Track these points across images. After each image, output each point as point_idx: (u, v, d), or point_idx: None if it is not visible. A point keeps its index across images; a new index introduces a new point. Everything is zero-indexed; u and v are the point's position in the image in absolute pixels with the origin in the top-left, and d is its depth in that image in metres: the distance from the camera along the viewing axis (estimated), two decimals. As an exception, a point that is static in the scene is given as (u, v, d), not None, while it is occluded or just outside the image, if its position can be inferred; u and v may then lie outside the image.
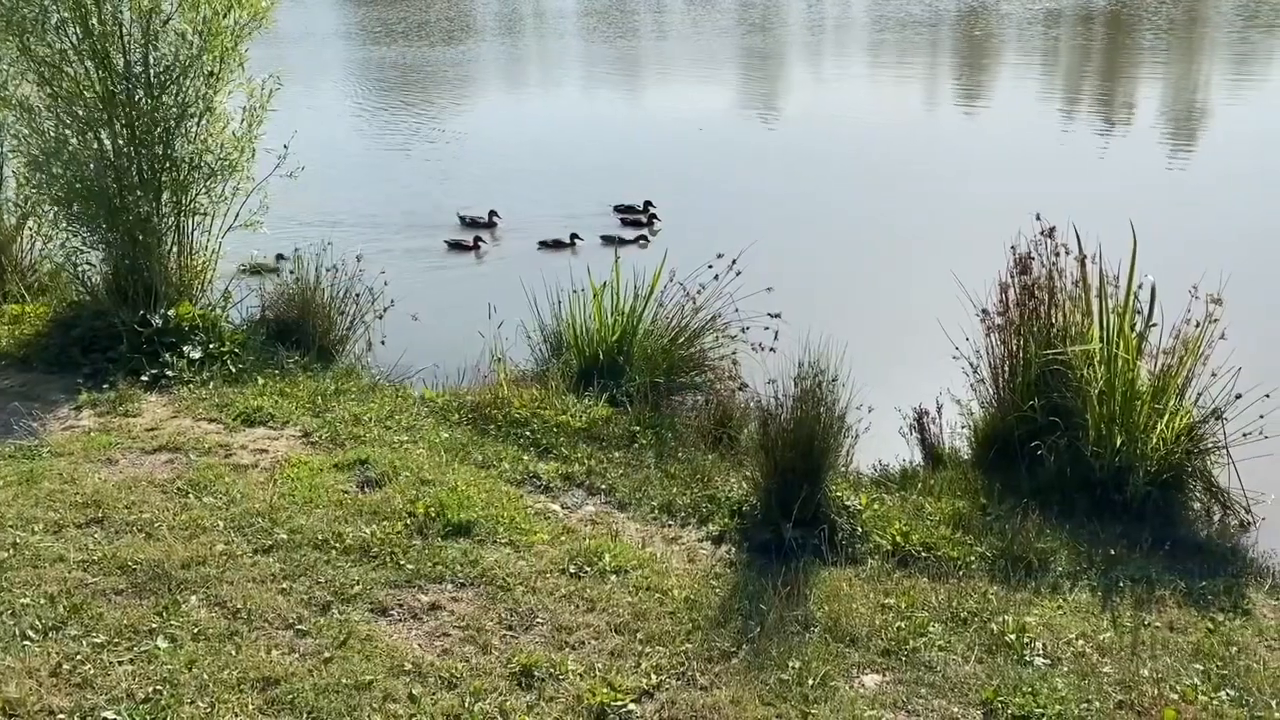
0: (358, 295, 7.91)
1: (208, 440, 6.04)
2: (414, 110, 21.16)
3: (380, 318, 7.90)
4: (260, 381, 6.95)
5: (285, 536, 4.90)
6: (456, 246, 11.30)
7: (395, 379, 7.33)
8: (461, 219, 12.12)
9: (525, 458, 5.96)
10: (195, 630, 4.18)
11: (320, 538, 4.89)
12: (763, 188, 13.84)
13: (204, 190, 7.74)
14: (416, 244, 11.60)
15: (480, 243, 11.31)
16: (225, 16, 7.53)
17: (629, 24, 37.58)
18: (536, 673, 3.99)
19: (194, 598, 4.40)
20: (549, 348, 7.55)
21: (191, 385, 6.87)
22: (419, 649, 4.15)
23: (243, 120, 7.84)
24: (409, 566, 4.70)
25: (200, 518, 5.06)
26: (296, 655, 4.06)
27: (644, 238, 11.43)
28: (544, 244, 11.38)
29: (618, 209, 12.35)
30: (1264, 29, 29.78)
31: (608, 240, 11.36)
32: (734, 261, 7.13)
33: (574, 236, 11.33)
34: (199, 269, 7.95)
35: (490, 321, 7.37)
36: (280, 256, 9.89)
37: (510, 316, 7.59)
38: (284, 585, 4.53)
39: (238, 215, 7.91)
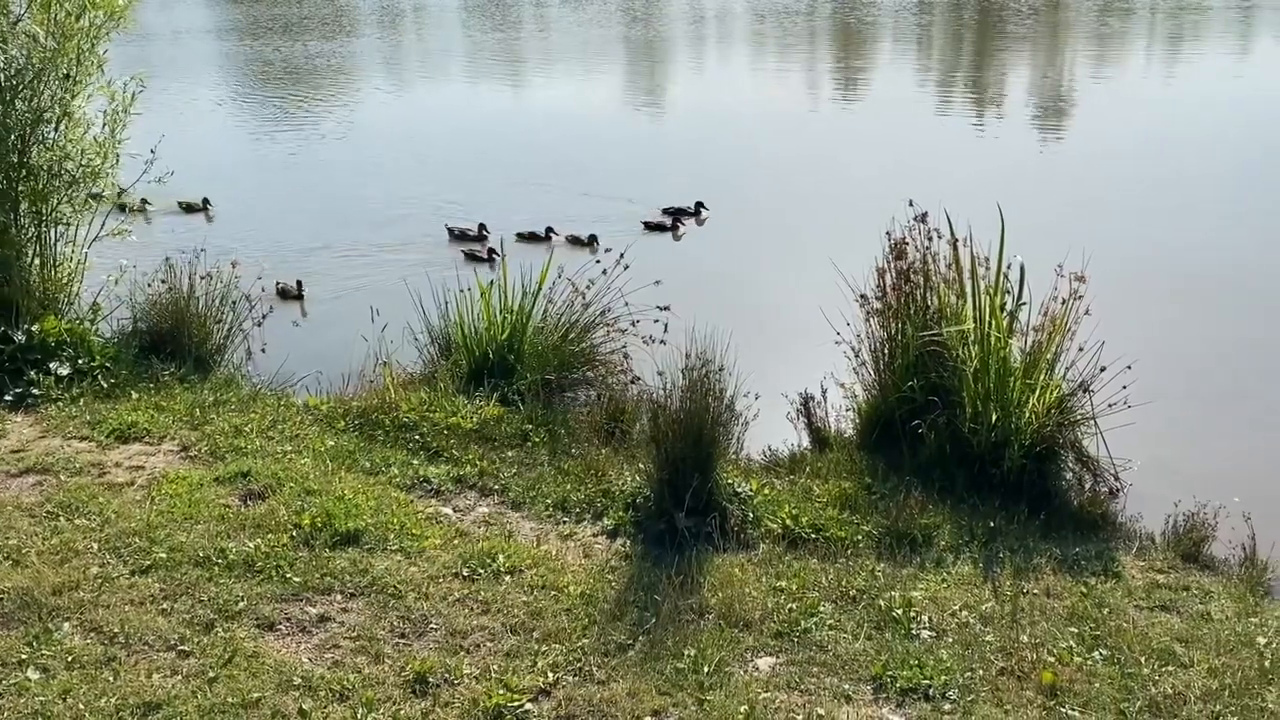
0: (234, 302, 7.66)
1: (79, 459, 5.79)
2: (308, 108, 20.62)
3: (259, 325, 7.67)
4: (134, 396, 6.68)
5: (164, 555, 4.73)
6: (472, 258, 11.01)
7: (277, 387, 7.11)
8: (450, 231, 11.80)
9: (415, 462, 5.86)
10: (69, 659, 4.00)
11: (202, 554, 4.73)
12: (657, 181, 13.89)
13: (65, 199, 7.40)
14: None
15: (494, 255, 11.01)
16: (80, 18, 7.22)
17: (510, 17, 37.29)
18: (431, 679, 3.94)
19: (67, 625, 4.22)
20: (438, 349, 7.44)
21: (60, 403, 6.57)
22: (308, 662, 4.06)
23: (104, 125, 7.53)
24: (296, 579, 4.58)
25: (72, 540, 4.85)
26: (179, 677, 3.93)
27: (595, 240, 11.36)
28: (520, 236, 11.40)
29: (666, 212, 12.24)
30: (1119, 14, 31.18)
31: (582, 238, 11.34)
32: (622, 255, 7.14)
33: (549, 230, 11.43)
34: (64, 281, 7.62)
35: (374, 325, 7.21)
36: (299, 283, 9.76)
37: (396, 320, 7.43)
38: (164, 606, 4.37)
39: (104, 224, 7.60)
